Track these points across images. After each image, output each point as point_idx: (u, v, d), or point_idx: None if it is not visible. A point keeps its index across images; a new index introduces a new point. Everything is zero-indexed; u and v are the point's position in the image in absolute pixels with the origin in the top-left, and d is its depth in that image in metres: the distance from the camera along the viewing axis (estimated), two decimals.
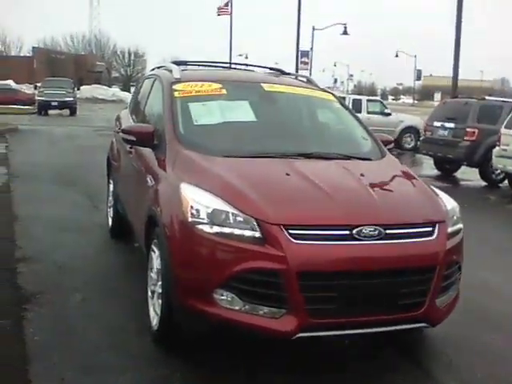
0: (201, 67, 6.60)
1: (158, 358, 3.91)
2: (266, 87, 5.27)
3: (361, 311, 3.60)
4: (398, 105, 71.00)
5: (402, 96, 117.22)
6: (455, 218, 4.15)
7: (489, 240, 7.83)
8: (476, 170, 13.68)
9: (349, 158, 4.62)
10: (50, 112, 31.54)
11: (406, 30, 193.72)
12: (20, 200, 8.59)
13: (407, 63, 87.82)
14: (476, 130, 13.27)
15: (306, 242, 3.52)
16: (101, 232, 6.96)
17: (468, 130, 13.37)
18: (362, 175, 4.19)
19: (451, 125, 13.96)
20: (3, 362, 3.75)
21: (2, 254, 5.98)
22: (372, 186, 4.06)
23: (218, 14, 44.50)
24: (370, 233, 3.61)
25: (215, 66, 6.49)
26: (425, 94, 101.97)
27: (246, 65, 7.00)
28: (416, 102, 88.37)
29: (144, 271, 4.47)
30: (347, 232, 3.59)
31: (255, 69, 6.52)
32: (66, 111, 31.82)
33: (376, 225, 3.64)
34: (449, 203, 4.24)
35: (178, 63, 5.72)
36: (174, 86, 5.01)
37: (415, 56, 77.14)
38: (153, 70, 6.47)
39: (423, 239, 3.79)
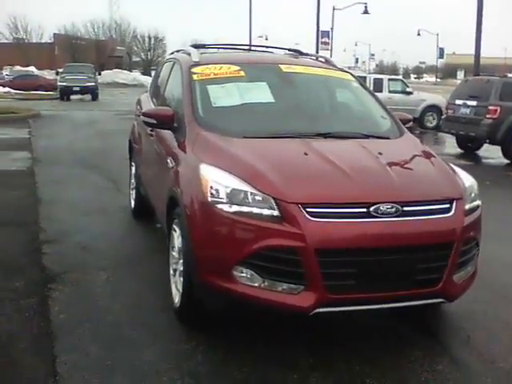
0: (219, 50, 6.64)
1: (181, 334, 4.02)
2: (284, 68, 5.31)
3: (378, 287, 3.65)
4: (421, 83, 70.34)
5: (424, 75, 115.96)
6: (473, 194, 4.17)
7: (510, 216, 7.80)
8: (498, 148, 13.55)
9: (367, 136, 4.65)
10: (72, 97, 31.80)
11: (428, 7, 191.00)
12: (44, 184, 8.75)
13: (430, 42, 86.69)
14: (498, 108, 13.14)
15: (324, 219, 3.57)
16: (123, 214, 7.09)
17: (490, 107, 13.24)
18: (379, 154, 4.22)
19: (473, 103, 13.83)
20: (30, 340, 3.88)
21: (27, 236, 6.13)
22: (389, 164, 4.09)
23: None
24: (387, 210, 3.65)
25: (234, 49, 6.53)
26: (448, 72, 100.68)
27: (265, 46, 7.01)
28: (439, 80, 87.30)
29: (166, 251, 4.57)
30: (364, 209, 3.63)
31: (274, 50, 6.54)
32: (88, 96, 32.04)
33: (393, 202, 3.67)
34: (467, 180, 4.25)
35: (196, 46, 5.78)
36: (193, 69, 5.07)
37: (437, 34, 76.11)
38: (172, 53, 6.53)
39: (440, 216, 3.82)
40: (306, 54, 6.18)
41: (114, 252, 5.72)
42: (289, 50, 6.41)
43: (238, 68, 5.13)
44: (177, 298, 4.21)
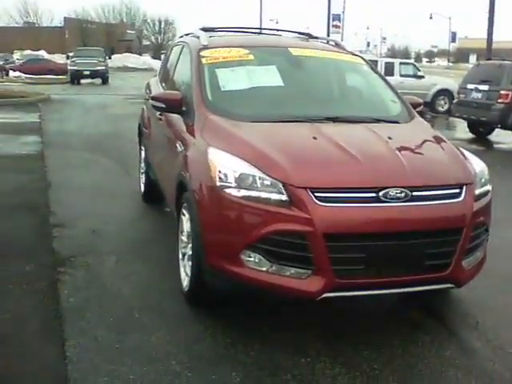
0: (228, 33, 6.60)
1: (189, 317, 4.03)
2: (294, 52, 5.27)
3: (387, 272, 3.64)
4: (433, 67, 69.70)
5: (436, 58, 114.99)
6: (483, 180, 4.14)
7: None
8: (510, 133, 13.44)
9: (377, 121, 4.62)
10: (82, 81, 31.85)
11: None
12: (53, 167, 8.78)
13: (442, 25, 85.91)
14: (510, 93, 12.99)
15: (332, 204, 3.56)
16: (133, 198, 7.10)
17: (502, 92, 13.10)
18: (389, 138, 4.19)
19: (485, 87, 13.70)
20: (39, 322, 3.92)
21: (37, 219, 6.16)
22: (399, 148, 4.06)
23: None
24: (397, 195, 3.63)
25: (243, 32, 6.49)
26: (460, 56, 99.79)
27: (276, 30, 6.96)
28: (451, 64, 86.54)
29: (175, 235, 4.58)
30: (373, 194, 3.62)
31: (284, 33, 6.50)
32: (98, 80, 32.07)
33: (402, 187, 3.65)
34: (477, 165, 4.22)
35: (206, 30, 5.74)
36: (202, 53, 5.05)
37: (450, 18, 75.45)
38: (181, 37, 6.50)
39: (450, 201, 3.80)
40: (316, 38, 6.13)
41: (124, 236, 5.74)
42: (299, 33, 6.36)
43: (247, 51, 5.10)
44: (185, 282, 4.22)
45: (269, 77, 4.96)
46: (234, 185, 3.69)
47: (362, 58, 5.78)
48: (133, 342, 3.70)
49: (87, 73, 31.50)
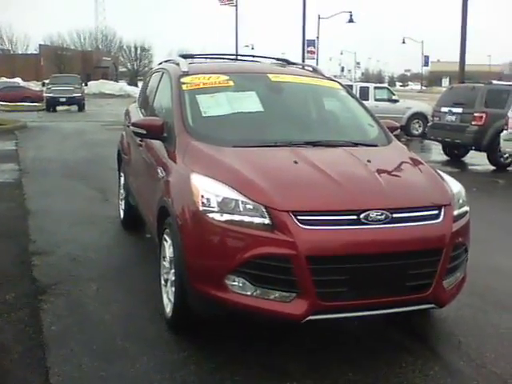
0: (207, 60, 6.68)
1: (173, 344, 4.01)
2: (273, 77, 5.34)
3: (370, 293, 3.68)
4: (406, 91, 70.75)
5: (409, 82, 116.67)
6: (461, 201, 4.21)
7: (498, 223, 7.89)
8: (484, 155, 13.67)
9: (355, 144, 4.69)
10: (59, 108, 31.77)
11: (413, 15, 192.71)
12: (32, 195, 8.73)
13: (414, 49, 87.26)
14: (484, 115, 13.26)
15: (315, 227, 3.60)
16: (113, 224, 7.08)
17: (476, 114, 13.36)
18: (368, 161, 4.26)
19: (459, 110, 13.96)
20: (22, 351, 3.86)
21: (16, 248, 6.10)
22: (378, 171, 4.13)
23: (221, 4, 44.20)
24: (377, 217, 3.68)
25: (221, 58, 6.56)
26: (433, 79, 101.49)
27: (252, 56, 7.05)
28: (424, 88, 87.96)
29: (156, 261, 4.57)
30: (355, 217, 3.66)
31: (261, 60, 6.58)
32: (75, 107, 32.01)
33: (383, 209, 3.71)
34: (455, 186, 4.30)
35: (185, 56, 5.80)
36: (182, 79, 5.10)
37: (422, 42, 76.79)
38: (160, 63, 6.55)
39: (429, 222, 3.86)
40: (294, 63, 6.24)
41: (104, 263, 5.71)
42: (277, 59, 6.45)
43: (226, 78, 5.16)
44: (168, 308, 4.21)
45: (249, 102, 5.02)
46: (216, 209, 3.71)
47: (339, 82, 5.88)
48: (117, 369, 3.67)
49: (63, 100, 31.41)
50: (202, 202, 3.75)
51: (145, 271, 5.32)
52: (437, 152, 15.73)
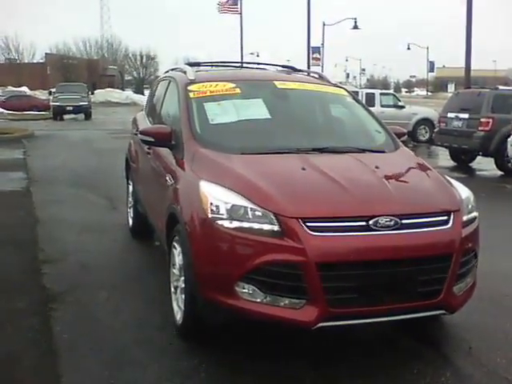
0: (214, 67, 6.71)
1: (183, 351, 4.02)
2: (279, 84, 5.36)
3: (379, 300, 3.67)
4: (412, 97, 70.81)
5: (415, 88, 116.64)
6: (470, 206, 4.21)
7: (507, 228, 7.85)
8: (491, 160, 13.64)
9: (363, 151, 4.69)
10: (65, 117, 31.90)
11: (418, 21, 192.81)
12: (41, 203, 8.76)
13: (420, 55, 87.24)
14: (490, 120, 13.23)
15: (324, 233, 3.61)
16: (121, 232, 7.09)
17: (482, 120, 13.33)
18: (376, 167, 4.27)
19: (465, 115, 13.93)
20: (33, 359, 3.89)
21: (26, 256, 6.13)
22: (387, 177, 4.13)
23: (220, 11, 43.91)
24: (386, 223, 3.68)
25: (228, 66, 6.59)
26: (438, 85, 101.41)
27: (258, 63, 7.09)
28: (430, 93, 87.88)
29: (165, 268, 4.58)
30: (364, 223, 3.67)
31: (267, 67, 6.61)
32: (81, 115, 32.13)
33: (392, 215, 3.71)
34: (463, 192, 4.30)
35: (191, 64, 5.84)
36: (189, 87, 5.12)
37: (427, 48, 76.78)
38: (167, 72, 6.58)
39: (439, 228, 3.86)
40: (300, 70, 6.26)
41: (114, 270, 5.73)
42: (282, 66, 6.48)
43: (233, 85, 5.18)
44: (178, 316, 4.22)
45: (256, 110, 5.04)
46: (225, 216, 3.72)
47: (345, 89, 5.89)
48: (127, 377, 3.68)
49: (70, 108, 31.54)
50: (211, 210, 3.77)
51: (154, 279, 5.33)
52: (444, 158, 15.70)
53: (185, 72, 5.48)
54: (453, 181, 4.49)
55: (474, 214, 4.24)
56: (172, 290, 4.40)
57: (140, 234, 6.74)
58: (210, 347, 4.07)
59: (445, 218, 3.92)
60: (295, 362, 3.88)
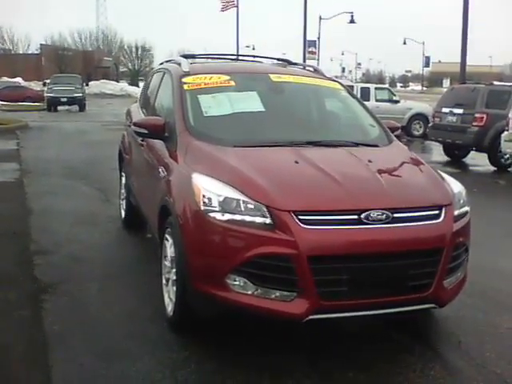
0: (209, 60, 6.69)
1: (174, 343, 4.02)
2: (274, 78, 5.35)
3: (370, 293, 3.69)
4: (407, 92, 70.78)
5: (410, 83, 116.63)
6: (461, 201, 4.22)
7: (499, 223, 7.89)
8: (485, 155, 13.67)
9: (356, 144, 4.69)
10: (60, 108, 31.76)
11: (414, 16, 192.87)
12: (33, 195, 8.74)
13: (416, 50, 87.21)
14: (484, 116, 13.26)
15: (316, 226, 3.61)
16: (113, 224, 7.09)
17: (477, 115, 13.37)
18: (369, 161, 4.27)
19: (460, 110, 13.96)
20: (24, 351, 3.88)
21: (18, 247, 6.11)
22: (379, 171, 4.14)
23: (222, 10, 43.80)
24: (378, 217, 3.69)
25: (223, 59, 6.57)
26: (434, 80, 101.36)
27: (254, 56, 7.06)
28: (425, 88, 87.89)
29: (157, 260, 4.58)
30: (355, 216, 3.68)
31: (262, 60, 6.60)
32: (75, 107, 31.99)
33: (383, 209, 3.72)
34: (455, 187, 4.31)
35: (186, 56, 5.81)
36: (184, 79, 5.11)
37: (423, 43, 76.78)
38: (162, 64, 6.56)
39: (430, 222, 3.87)
40: (295, 64, 6.25)
41: (106, 262, 5.72)
42: (277, 59, 6.47)
43: (228, 78, 5.17)
44: (170, 308, 4.22)
45: (250, 102, 5.03)
46: (218, 209, 3.72)
47: (340, 83, 5.89)
48: (118, 368, 3.68)
49: (64, 100, 31.40)
50: (204, 202, 3.77)
51: (146, 271, 5.32)
52: (438, 153, 15.73)
53: (179, 64, 5.47)
54: (445, 175, 4.50)
55: (466, 208, 4.26)
56: (163, 282, 4.40)
57: (132, 226, 6.73)
58: (201, 339, 4.08)
59: (436, 212, 3.93)
60: (286, 355, 3.90)
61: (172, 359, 3.82)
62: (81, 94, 32.09)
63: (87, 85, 49.55)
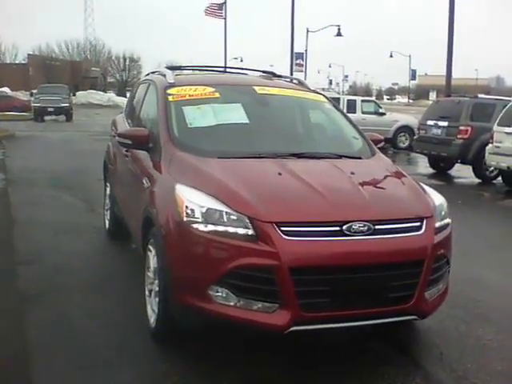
0: (195, 71, 6.72)
1: (157, 355, 4.01)
2: (259, 90, 5.38)
3: (352, 304, 3.70)
4: (394, 104, 71.19)
5: (397, 96, 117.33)
6: (443, 213, 4.26)
7: (483, 236, 7.95)
8: (470, 168, 13.79)
9: (339, 156, 4.73)
10: (46, 118, 31.68)
11: (401, 29, 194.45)
12: (18, 204, 8.70)
13: (402, 63, 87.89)
14: (469, 128, 13.38)
15: (298, 238, 3.63)
16: (98, 234, 7.06)
17: (461, 128, 13.48)
18: (352, 173, 4.31)
19: (444, 123, 14.07)
20: (4, 362, 3.84)
21: (0, 257, 6.07)
22: (362, 183, 4.17)
23: (206, 14, 43.79)
24: (360, 228, 3.72)
25: (209, 71, 6.60)
26: (420, 93, 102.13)
27: (240, 68, 7.10)
28: (411, 101, 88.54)
29: (141, 271, 4.57)
30: (337, 228, 3.70)
31: (248, 72, 6.63)
32: (62, 117, 31.93)
33: (365, 221, 3.74)
34: (437, 199, 4.35)
35: (172, 68, 5.84)
36: (168, 91, 5.12)
37: (409, 56, 77.39)
38: (147, 75, 6.58)
39: (411, 234, 3.90)
40: (280, 76, 6.29)
41: (89, 273, 5.69)
42: (263, 71, 6.50)
43: (213, 89, 5.20)
44: (152, 319, 4.21)
45: (234, 114, 5.05)
46: (200, 220, 3.73)
47: (324, 95, 5.94)
48: (100, 380, 3.67)
49: (51, 110, 31.34)
50: (187, 213, 3.77)
51: (129, 282, 5.31)
52: (423, 165, 15.84)
53: (164, 75, 5.49)
54: (426, 187, 4.54)
55: (447, 220, 4.29)
56: (146, 293, 4.39)
57: (116, 237, 6.71)
58: (184, 350, 4.07)
59: (417, 224, 3.96)
60: (269, 366, 3.89)
61: (155, 371, 3.81)
62: (68, 104, 32.07)
63: (74, 95, 49.43)
